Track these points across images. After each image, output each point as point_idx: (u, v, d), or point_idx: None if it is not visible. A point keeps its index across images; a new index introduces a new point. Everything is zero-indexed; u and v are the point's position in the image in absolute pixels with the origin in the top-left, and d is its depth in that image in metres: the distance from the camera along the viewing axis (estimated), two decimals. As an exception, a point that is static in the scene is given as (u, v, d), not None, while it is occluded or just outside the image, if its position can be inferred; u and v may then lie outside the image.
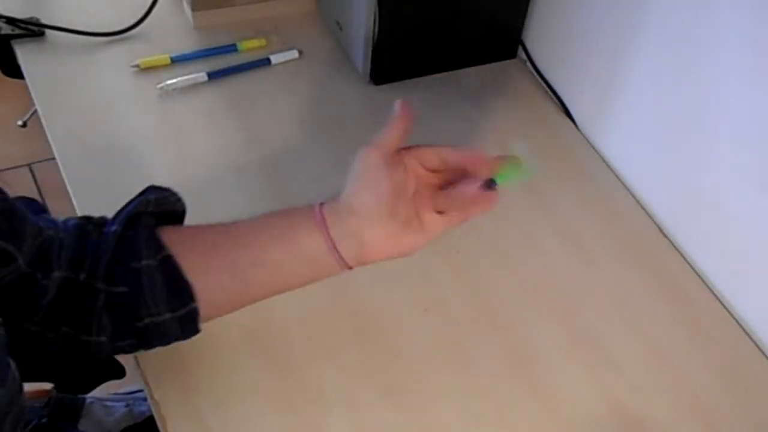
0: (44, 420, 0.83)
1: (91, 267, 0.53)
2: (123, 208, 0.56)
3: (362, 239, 0.54)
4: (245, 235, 0.56)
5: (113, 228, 0.54)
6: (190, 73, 0.87)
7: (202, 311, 0.55)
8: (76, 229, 0.55)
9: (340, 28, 0.92)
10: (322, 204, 0.55)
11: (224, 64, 0.90)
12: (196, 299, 0.54)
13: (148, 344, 0.56)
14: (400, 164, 0.55)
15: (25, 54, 0.87)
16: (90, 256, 0.53)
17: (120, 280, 0.53)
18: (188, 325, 0.56)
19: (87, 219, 0.56)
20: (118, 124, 0.82)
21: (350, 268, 0.56)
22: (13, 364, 0.48)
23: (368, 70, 0.90)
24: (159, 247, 0.54)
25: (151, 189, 0.58)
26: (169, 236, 0.55)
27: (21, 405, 0.50)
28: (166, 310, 0.54)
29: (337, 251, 0.54)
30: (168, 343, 0.56)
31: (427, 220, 0.56)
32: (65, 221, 0.56)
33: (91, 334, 0.54)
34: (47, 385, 0.86)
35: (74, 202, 0.73)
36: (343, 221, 0.54)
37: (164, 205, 0.58)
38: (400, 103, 0.56)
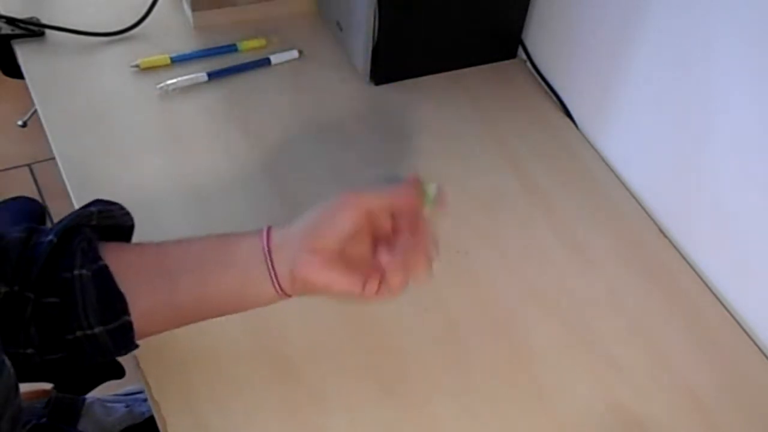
0: (44, 420, 0.83)
1: (22, 276, 0.51)
2: (62, 219, 0.54)
3: (307, 279, 0.53)
4: (187, 259, 0.55)
5: (49, 238, 0.52)
6: (190, 73, 0.87)
7: (136, 329, 0.53)
8: (19, 243, 0.53)
9: (340, 28, 0.92)
10: (269, 232, 0.54)
11: (224, 64, 0.90)
12: (129, 312, 0.52)
13: (80, 359, 0.54)
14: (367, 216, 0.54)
15: (25, 54, 0.87)
16: (23, 265, 0.51)
17: (51, 290, 0.51)
18: (121, 340, 0.53)
19: (33, 229, 0.54)
20: (118, 124, 0.82)
21: (289, 296, 0.55)
22: (8, 362, 0.47)
23: (368, 70, 0.90)
24: (95, 257, 0.52)
25: (96, 202, 0.56)
26: (109, 253, 0.54)
27: (17, 405, 0.49)
28: (97, 322, 0.52)
29: (280, 285, 0.54)
30: (100, 360, 0.54)
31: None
32: (10, 231, 0.54)
33: (18, 345, 0.52)
34: (47, 386, 0.86)
35: (74, 202, 0.73)
36: (290, 257, 0.53)
37: (109, 219, 0.57)
38: (413, 176, 0.55)
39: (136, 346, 0.55)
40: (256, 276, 0.54)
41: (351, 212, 0.52)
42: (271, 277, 0.54)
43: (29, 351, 0.52)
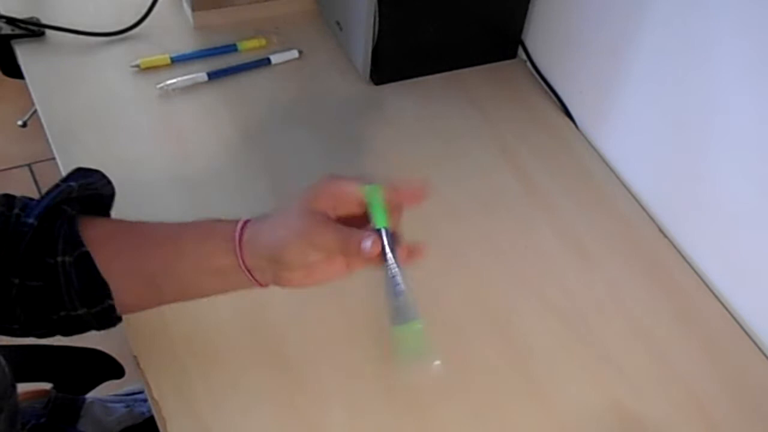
0: (43, 420, 0.83)
1: (6, 259, 0.53)
2: (44, 197, 0.55)
3: (279, 275, 0.54)
4: (163, 241, 0.56)
5: (30, 221, 0.53)
6: (190, 73, 0.87)
7: (117, 308, 0.55)
8: None
9: (340, 28, 0.92)
10: (246, 223, 0.55)
11: (224, 64, 0.90)
12: (112, 297, 0.54)
13: (64, 333, 0.57)
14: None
15: (25, 54, 0.87)
16: (6, 248, 0.53)
17: (35, 275, 0.53)
18: (104, 320, 0.56)
19: (9, 203, 0.55)
20: (118, 124, 0.82)
21: (264, 286, 0.56)
22: (2, 361, 0.48)
23: (368, 70, 0.90)
24: (76, 243, 0.54)
25: (78, 172, 0.57)
26: (89, 231, 0.55)
27: (14, 402, 0.50)
28: (81, 305, 0.54)
29: (251, 275, 0.55)
30: (85, 332, 0.57)
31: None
32: None
33: (4, 321, 0.54)
34: (46, 386, 0.86)
35: (74, 202, 0.73)
36: (261, 249, 0.54)
37: (89, 190, 0.57)
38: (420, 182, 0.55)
39: (120, 320, 0.57)
40: (230, 262, 0.54)
41: (306, 250, 0.53)
42: (243, 271, 0.55)
43: (15, 326, 0.55)
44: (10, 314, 0.54)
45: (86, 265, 0.53)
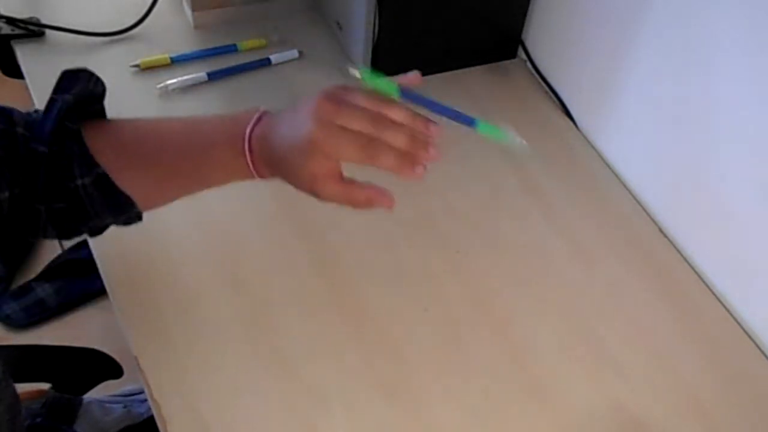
0: (41, 420, 0.83)
1: (26, 187, 0.54)
2: (45, 116, 0.55)
3: (281, 169, 0.54)
4: (169, 139, 0.58)
5: (41, 148, 0.54)
6: (190, 73, 0.87)
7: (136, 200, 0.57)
8: (4, 138, 0.54)
9: (340, 28, 0.92)
10: (260, 117, 0.55)
11: (224, 64, 0.90)
12: (136, 205, 0.57)
13: (93, 234, 0.61)
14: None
15: (25, 54, 0.87)
16: (23, 175, 0.54)
17: (58, 198, 0.55)
18: (131, 221, 0.60)
19: (7, 118, 0.55)
20: (118, 124, 0.82)
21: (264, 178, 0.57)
22: None
23: (368, 70, 0.90)
24: (91, 163, 0.55)
25: (65, 77, 0.56)
26: (96, 143, 0.56)
27: (12, 393, 0.50)
28: (108, 217, 0.57)
29: (256, 172, 0.55)
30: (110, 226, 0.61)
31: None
32: None
33: (38, 236, 0.58)
34: (44, 386, 0.86)
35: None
36: (268, 145, 0.54)
37: (83, 95, 0.58)
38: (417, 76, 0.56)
39: (140, 218, 0.60)
40: (236, 154, 0.55)
41: (317, 169, 0.51)
42: (248, 164, 0.55)
43: (51, 237, 0.58)
44: (43, 232, 0.57)
45: (106, 183, 0.55)
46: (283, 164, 0.53)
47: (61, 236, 0.58)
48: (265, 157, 0.54)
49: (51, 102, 0.55)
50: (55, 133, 0.54)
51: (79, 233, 0.60)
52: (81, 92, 0.57)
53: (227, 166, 0.56)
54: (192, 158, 0.57)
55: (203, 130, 0.58)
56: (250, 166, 0.55)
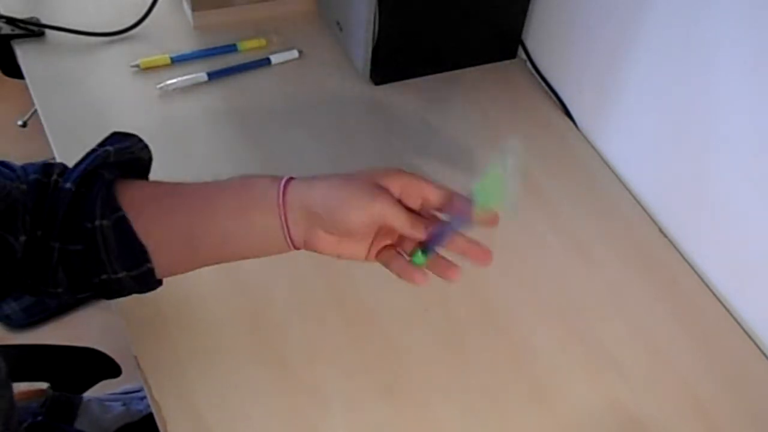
0: (40, 419, 0.83)
1: (46, 225, 0.53)
2: (81, 161, 0.55)
3: (314, 232, 0.54)
4: (203, 202, 0.56)
5: (67, 186, 0.54)
6: (190, 73, 0.87)
7: (157, 271, 0.56)
8: (35, 186, 0.54)
9: (340, 28, 0.92)
10: (288, 182, 0.55)
11: (224, 64, 0.90)
12: (151, 260, 0.54)
13: (107, 297, 0.58)
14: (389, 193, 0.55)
15: (25, 54, 0.87)
16: (46, 214, 0.53)
17: (75, 239, 0.53)
18: (144, 283, 0.56)
19: (47, 170, 0.55)
20: (118, 124, 0.82)
21: (297, 248, 0.56)
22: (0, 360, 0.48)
23: (368, 70, 0.90)
24: (114, 207, 0.54)
25: (114, 136, 0.57)
26: (126, 194, 0.55)
27: (9, 398, 0.49)
28: (121, 269, 0.54)
29: (290, 236, 0.54)
30: (127, 295, 0.57)
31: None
32: (26, 169, 0.55)
33: (48, 286, 0.55)
34: (43, 385, 0.86)
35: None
36: (310, 200, 0.54)
37: (126, 155, 0.57)
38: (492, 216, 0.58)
39: (160, 284, 0.58)
40: (271, 225, 0.54)
41: (365, 217, 0.53)
42: (284, 233, 0.54)
43: (60, 290, 0.55)
44: (53, 278, 0.54)
45: (124, 228, 0.54)
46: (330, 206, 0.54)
47: (72, 287, 0.55)
48: (306, 203, 0.54)
49: (91, 151, 0.56)
50: (86, 176, 0.54)
51: (91, 287, 0.56)
52: (124, 149, 0.57)
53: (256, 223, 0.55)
54: (216, 209, 0.56)
55: (233, 185, 0.57)
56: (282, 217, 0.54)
